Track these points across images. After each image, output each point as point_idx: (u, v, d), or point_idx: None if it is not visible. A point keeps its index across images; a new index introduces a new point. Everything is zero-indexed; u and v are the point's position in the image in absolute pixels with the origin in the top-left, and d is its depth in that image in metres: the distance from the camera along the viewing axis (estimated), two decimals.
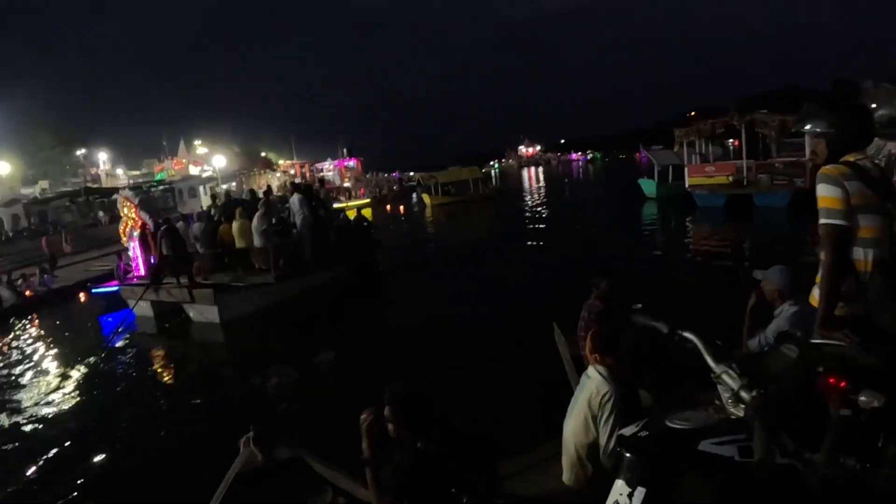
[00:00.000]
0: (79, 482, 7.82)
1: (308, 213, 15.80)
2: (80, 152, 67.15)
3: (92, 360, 13.85)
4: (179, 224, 16.69)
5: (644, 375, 4.53)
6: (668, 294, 11.78)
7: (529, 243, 22.63)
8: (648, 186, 30.40)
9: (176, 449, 8.44)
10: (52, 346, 16.19)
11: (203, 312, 14.42)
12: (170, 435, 9.07)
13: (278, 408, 9.32)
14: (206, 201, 44.78)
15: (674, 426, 2.09)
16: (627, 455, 2.08)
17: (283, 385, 10.55)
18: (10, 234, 39.40)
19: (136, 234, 17.98)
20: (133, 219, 18.29)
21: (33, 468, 8.58)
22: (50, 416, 10.83)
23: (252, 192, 21.57)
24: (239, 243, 15.30)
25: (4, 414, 11.08)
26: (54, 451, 9.05)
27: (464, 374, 8.70)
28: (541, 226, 28.63)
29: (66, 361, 14.35)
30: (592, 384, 3.53)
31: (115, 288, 18.19)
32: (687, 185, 26.87)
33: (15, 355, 15.92)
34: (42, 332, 18.43)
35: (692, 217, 24.02)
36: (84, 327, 17.86)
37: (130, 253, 18.70)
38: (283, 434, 4.18)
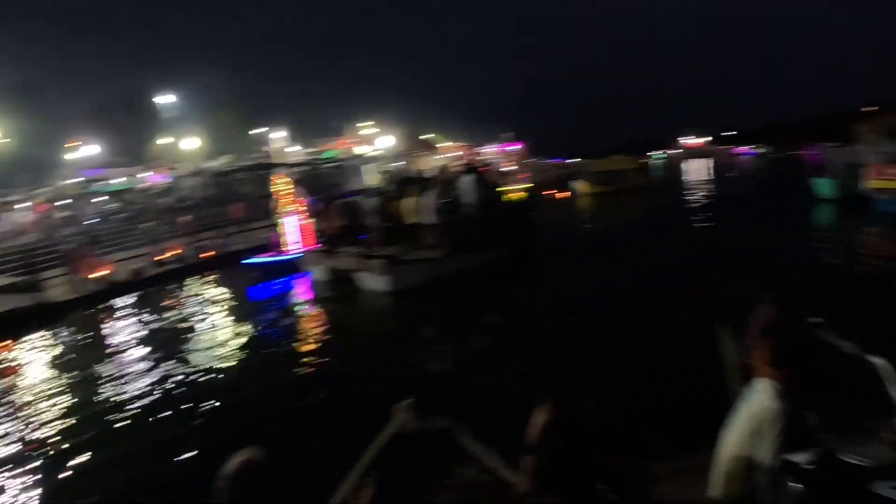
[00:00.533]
0: (234, 432, 8.35)
1: (478, 193, 16.26)
2: (259, 130, 71.53)
3: (258, 317, 15.57)
4: (353, 199, 17.86)
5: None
6: (840, 309, 10.62)
7: (689, 239, 21.31)
8: (823, 187, 27.28)
9: (333, 407, 8.90)
10: (223, 302, 17.78)
11: (373, 281, 15.29)
12: (329, 394, 9.56)
13: (436, 378, 9.49)
14: (370, 179, 46.49)
15: (848, 460, 1.77)
16: (793, 484, 1.97)
17: (442, 357, 10.76)
18: (196, 202, 42.52)
19: (291, 209, 20.30)
20: (290, 194, 20.57)
21: (198, 414, 9.51)
22: (217, 367, 12.04)
23: (420, 172, 22.28)
24: (411, 219, 15.94)
25: (177, 361, 12.57)
26: (216, 400, 9.95)
27: (614, 367, 8.55)
28: (702, 222, 26.60)
29: (236, 317, 16.05)
30: (761, 398, 3.12)
31: (268, 259, 20.31)
32: (866, 188, 23.75)
33: (191, 308, 17.49)
34: (216, 289, 20.12)
35: (873, 223, 21.15)
36: (253, 288, 19.35)
37: (281, 228, 21.02)
38: (437, 404, 4.27)
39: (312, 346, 12.89)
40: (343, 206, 16.93)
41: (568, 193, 42.17)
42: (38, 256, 23.32)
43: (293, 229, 20.67)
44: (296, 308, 16.48)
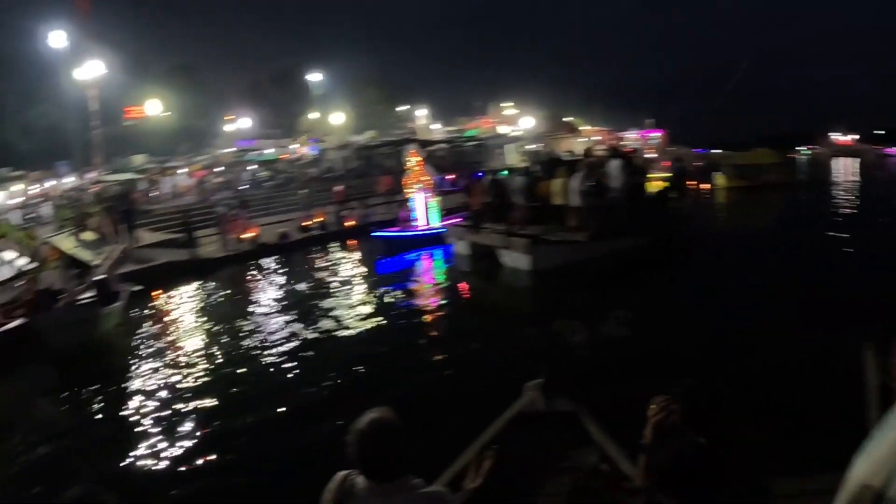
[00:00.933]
0: (363, 394, 8.54)
1: (625, 179, 15.81)
2: (404, 107, 72.96)
3: (395, 287, 15.74)
4: (500, 176, 17.74)
5: None
6: None
7: (833, 244, 18.82)
8: None
9: (463, 378, 9.03)
10: (360, 270, 18.96)
11: (515, 259, 15.32)
12: (459, 365, 9.74)
13: (568, 361, 9.30)
14: (511, 158, 46.16)
15: None
16: None
17: (577, 340, 10.54)
18: (341, 173, 43.74)
19: (419, 186, 20.76)
20: (419, 171, 20.97)
21: (328, 373, 9.77)
22: (352, 330, 12.40)
23: (561, 154, 22.12)
24: (557, 200, 15.78)
25: (313, 320, 13.05)
26: (349, 362, 10.21)
27: (744, 373, 8.05)
28: (852, 226, 23.24)
29: (371, 285, 16.55)
30: None
31: (394, 233, 20.84)
32: None
33: (330, 272, 18.12)
34: (355, 257, 21.30)
35: None
36: (389, 259, 19.71)
37: (411, 203, 21.56)
38: (567, 387, 4.20)
39: (446, 318, 12.98)
40: (490, 182, 16.88)
41: (709, 186, 39.45)
42: (195, 217, 24.56)
43: (420, 206, 21.36)
44: (433, 280, 16.75)
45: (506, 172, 20.90)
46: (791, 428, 6.28)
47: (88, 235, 14.68)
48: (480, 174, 23.10)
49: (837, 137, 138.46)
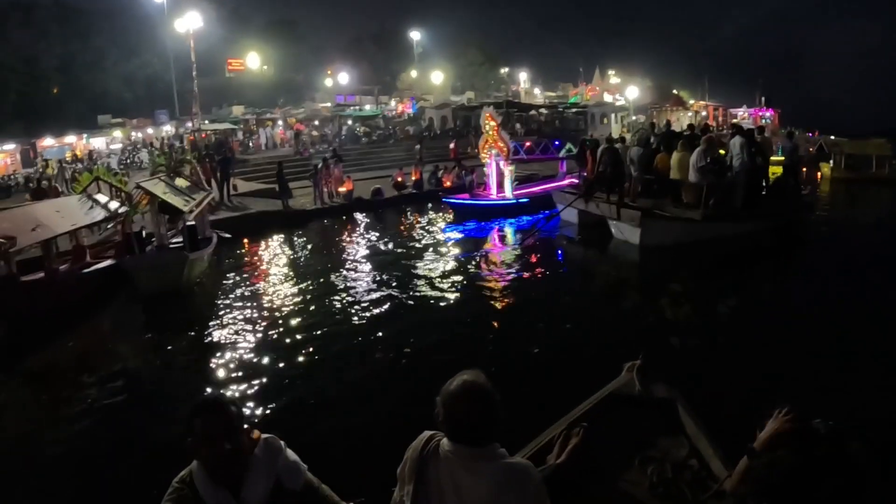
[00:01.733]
0: (452, 358, 8.19)
1: (747, 158, 14.46)
2: (504, 70, 71.96)
3: (484, 252, 15.77)
4: (618, 146, 16.30)
5: None
6: None
7: None
8: None
9: (559, 350, 8.66)
10: (452, 232, 17.99)
11: (625, 232, 14.81)
12: (558, 337, 9.30)
13: (671, 343, 8.97)
14: (615, 129, 44.60)
15: None
16: None
17: (681, 323, 10.38)
18: (438, 132, 43.18)
19: (493, 152, 19.66)
20: (494, 137, 19.64)
21: (419, 337, 9.36)
22: (445, 294, 11.88)
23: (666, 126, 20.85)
24: (674, 174, 14.90)
25: (400, 280, 12.72)
26: (442, 327, 9.90)
27: (859, 390, 6.96)
28: None
29: (463, 249, 16.01)
30: None
31: (466, 201, 20.06)
32: None
33: (419, 232, 18.11)
34: (447, 218, 20.10)
35: None
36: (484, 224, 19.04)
37: (485, 169, 20.67)
38: (666, 372, 3.92)
39: (548, 287, 12.48)
40: (606, 150, 15.69)
41: (817, 174, 36.10)
42: (290, 168, 24.37)
43: (493, 174, 20.25)
44: (533, 247, 15.77)
45: (591, 142, 20.21)
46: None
47: (181, 182, 14.44)
48: (557, 142, 23.28)
49: None
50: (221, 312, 10.95)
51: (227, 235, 15.54)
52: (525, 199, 20.08)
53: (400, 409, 6.45)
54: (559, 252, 15.87)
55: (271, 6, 75.62)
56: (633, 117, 51.33)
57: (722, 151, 15.34)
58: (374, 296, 11.51)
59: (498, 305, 11.34)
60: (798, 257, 15.20)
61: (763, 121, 60.81)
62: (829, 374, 7.51)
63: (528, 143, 24.24)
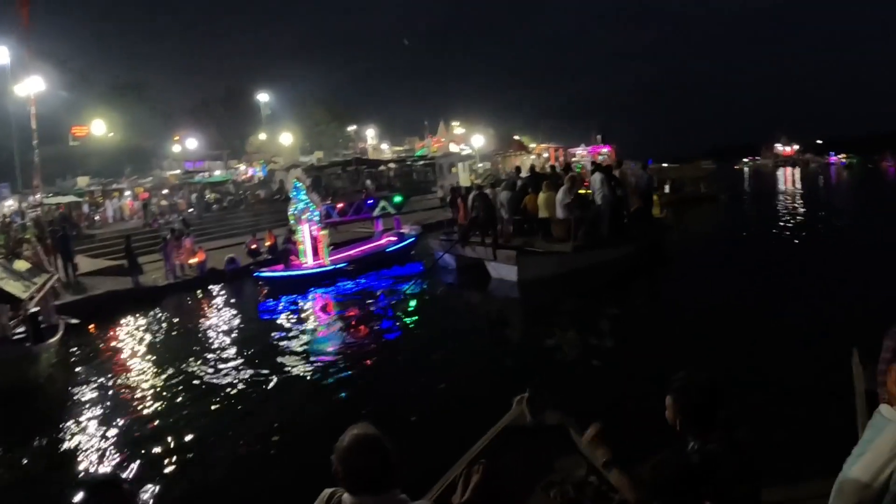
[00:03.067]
0: (343, 410, 8.66)
1: (608, 191, 16.17)
2: (351, 128, 72.83)
3: (360, 307, 15.48)
4: (487, 191, 17.52)
5: None
6: None
7: (794, 252, 19.75)
8: None
9: (451, 391, 8.96)
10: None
11: (502, 271, 15.72)
12: (448, 377, 9.63)
13: (556, 371, 9.50)
14: (464, 177, 46.35)
15: None
16: None
17: (564, 350, 11.02)
18: (289, 196, 43.07)
19: (305, 217, 19.01)
20: (304, 201, 19.21)
21: (304, 397, 9.66)
22: (321, 355, 11.91)
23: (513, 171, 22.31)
24: (542, 213, 16.15)
25: (269, 353, 12.24)
26: (325, 382, 10.16)
27: (732, 378, 7.42)
28: (798, 234, 24.04)
29: (327, 307, 16.21)
30: (893, 428, 2.69)
31: (278, 274, 19.15)
32: None
33: (282, 300, 17.18)
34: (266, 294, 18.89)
35: None
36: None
37: (298, 236, 19.66)
38: (554, 399, 4.09)
39: (434, 330, 13.01)
40: (478, 196, 16.78)
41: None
42: (138, 242, 23.74)
43: (308, 240, 19.16)
44: (420, 294, 16.54)
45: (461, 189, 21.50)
46: (779, 435, 6.17)
47: (21, 264, 13.58)
48: (371, 201, 23.20)
49: (780, 148, 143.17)
50: (75, 410, 9.95)
51: (75, 321, 14.28)
52: (343, 264, 19.20)
53: (286, 480, 6.53)
54: (443, 296, 16.50)
55: (118, 69, 72.86)
56: (480, 165, 53.42)
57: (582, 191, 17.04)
58: (241, 375, 10.86)
59: (380, 359, 11.39)
60: (663, 272, 17.21)
61: (600, 157, 64.99)
62: (706, 364, 8.14)
63: (340, 205, 22.55)
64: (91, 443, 8.54)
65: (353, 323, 14.20)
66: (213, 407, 9.53)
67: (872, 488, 2.82)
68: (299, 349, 12.46)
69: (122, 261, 20.91)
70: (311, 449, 6.35)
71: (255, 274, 19.24)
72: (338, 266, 19.06)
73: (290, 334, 13.65)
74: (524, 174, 19.37)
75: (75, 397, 10.67)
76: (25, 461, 8.36)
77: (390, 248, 21.24)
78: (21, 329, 12.28)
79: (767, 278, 14.95)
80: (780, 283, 14.39)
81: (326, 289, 17.95)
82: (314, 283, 18.29)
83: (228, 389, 10.24)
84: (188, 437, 8.39)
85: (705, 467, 2.49)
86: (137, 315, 16.91)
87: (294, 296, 17.19)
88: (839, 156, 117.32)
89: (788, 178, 74.06)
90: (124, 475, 7.12)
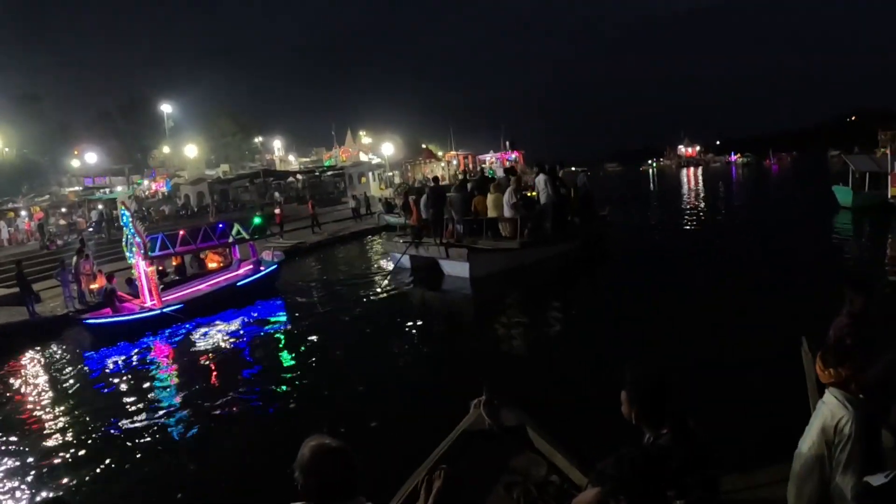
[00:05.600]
0: (308, 421, 8.46)
1: (551, 191, 17.25)
2: (258, 140, 71.80)
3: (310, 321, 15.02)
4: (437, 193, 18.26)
5: (890, 413, 4.16)
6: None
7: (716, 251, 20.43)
8: (843, 195, 26.58)
9: (410, 397, 8.99)
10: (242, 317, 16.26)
11: (455, 268, 16.70)
12: (407, 382, 9.81)
13: (510, 367, 9.71)
14: (374, 186, 46.68)
15: None
16: None
17: (516, 344, 11.37)
18: (195, 210, 42.41)
19: (135, 249, 16.42)
20: (132, 230, 16.62)
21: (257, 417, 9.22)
22: (267, 366, 11.74)
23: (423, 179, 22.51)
24: (491, 213, 17.11)
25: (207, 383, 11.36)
26: (279, 385, 10.16)
27: (684, 369, 7.50)
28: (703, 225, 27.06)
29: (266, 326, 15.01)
30: (827, 409, 3.06)
31: (107, 320, 15.77)
32: (890, 196, 23.82)
33: (199, 327, 15.46)
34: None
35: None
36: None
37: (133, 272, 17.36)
38: (511, 399, 4.24)
39: (393, 329, 13.36)
40: (427, 199, 17.68)
41: None
42: (35, 266, 22.70)
43: (143, 277, 16.37)
44: (384, 291, 17.26)
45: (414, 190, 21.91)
46: (734, 422, 6.19)
47: None
48: (222, 225, 19.00)
49: (683, 149, 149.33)
50: None
51: None
52: (177, 306, 15.88)
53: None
54: (399, 297, 16.69)
55: (12, 79, 68.92)
56: (389, 173, 53.75)
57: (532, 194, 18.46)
58: (163, 410, 9.83)
59: (343, 357, 11.57)
60: (604, 266, 18.37)
61: (508, 162, 66.13)
62: (652, 353, 8.86)
63: (182, 232, 17.91)
64: None
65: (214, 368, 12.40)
66: (125, 453, 8.37)
67: (819, 474, 3.07)
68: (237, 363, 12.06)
69: (14, 289, 19.02)
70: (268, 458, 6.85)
71: (84, 322, 15.74)
72: (166, 309, 15.69)
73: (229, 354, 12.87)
74: (431, 183, 20.03)
75: None
76: None
77: (242, 282, 17.96)
78: None
79: (706, 269, 16.26)
80: (717, 274, 15.36)
81: (155, 336, 14.92)
82: (147, 328, 15.25)
83: (144, 430, 9.13)
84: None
85: (660, 458, 2.51)
86: (37, 349, 15.15)
87: (125, 344, 14.46)
88: (737, 155, 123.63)
89: (691, 179, 76.93)
90: None
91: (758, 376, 7.67)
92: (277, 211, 33.91)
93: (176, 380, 11.95)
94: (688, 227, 27.14)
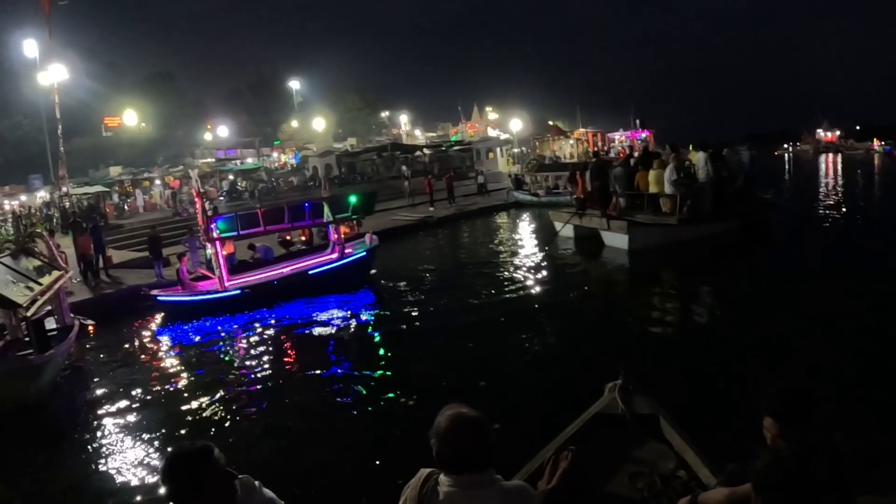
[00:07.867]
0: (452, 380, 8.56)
1: (711, 170, 17.22)
2: (384, 114, 72.15)
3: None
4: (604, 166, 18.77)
5: None
6: None
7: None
8: None
9: (544, 372, 8.79)
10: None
11: (615, 240, 17.17)
12: (545, 356, 9.66)
13: (652, 351, 9.20)
14: (501, 162, 45.05)
15: None
16: None
17: (662, 326, 10.83)
18: (322, 181, 42.16)
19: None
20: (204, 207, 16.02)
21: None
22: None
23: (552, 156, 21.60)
24: (652, 189, 17.35)
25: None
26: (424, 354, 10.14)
27: (831, 375, 7.20)
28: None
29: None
30: None
31: (179, 298, 14.99)
32: None
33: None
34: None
35: None
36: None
37: (207, 251, 16.44)
38: (647, 387, 3.98)
39: (550, 296, 13.72)
40: (593, 172, 18.34)
41: None
42: (167, 233, 22.70)
43: (215, 257, 15.11)
44: (545, 258, 17.83)
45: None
46: (877, 440, 5.43)
47: (30, 262, 12.06)
48: (308, 205, 16.36)
49: (822, 133, 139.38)
50: (84, 426, 8.41)
51: (91, 322, 12.47)
52: (238, 291, 14.78)
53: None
54: (561, 264, 17.25)
55: (148, 58, 72.94)
56: (517, 150, 52.06)
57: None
58: (284, 376, 9.75)
59: (498, 324, 11.50)
60: (763, 250, 17.59)
61: (639, 141, 63.16)
62: (803, 352, 8.23)
63: (261, 210, 16.03)
64: (95, 470, 7.09)
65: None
66: (238, 427, 8.00)
67: None
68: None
69: (145, 252, 19.17)
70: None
71: (157, 298, 14.89)
72: (229, 294, 14.72)
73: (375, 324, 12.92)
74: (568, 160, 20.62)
75: (83, 413, 9.03)
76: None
77: (315, 271, 15.98)
78: (27, 337, 10.45)
79: (882, 269, 13.72)
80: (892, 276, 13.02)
81: (218, 319, 14.08)
82: (208, 311, 14.46)
83: (255, 399, 8.89)
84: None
85: (813, 472, 2.21)
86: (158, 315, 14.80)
87: (191, 324, 13.92)
88: (881, 143, 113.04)
89: (830, 166, 70.23)
90: None
91: None
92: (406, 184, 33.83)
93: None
94: (859, 219, 24.18)
